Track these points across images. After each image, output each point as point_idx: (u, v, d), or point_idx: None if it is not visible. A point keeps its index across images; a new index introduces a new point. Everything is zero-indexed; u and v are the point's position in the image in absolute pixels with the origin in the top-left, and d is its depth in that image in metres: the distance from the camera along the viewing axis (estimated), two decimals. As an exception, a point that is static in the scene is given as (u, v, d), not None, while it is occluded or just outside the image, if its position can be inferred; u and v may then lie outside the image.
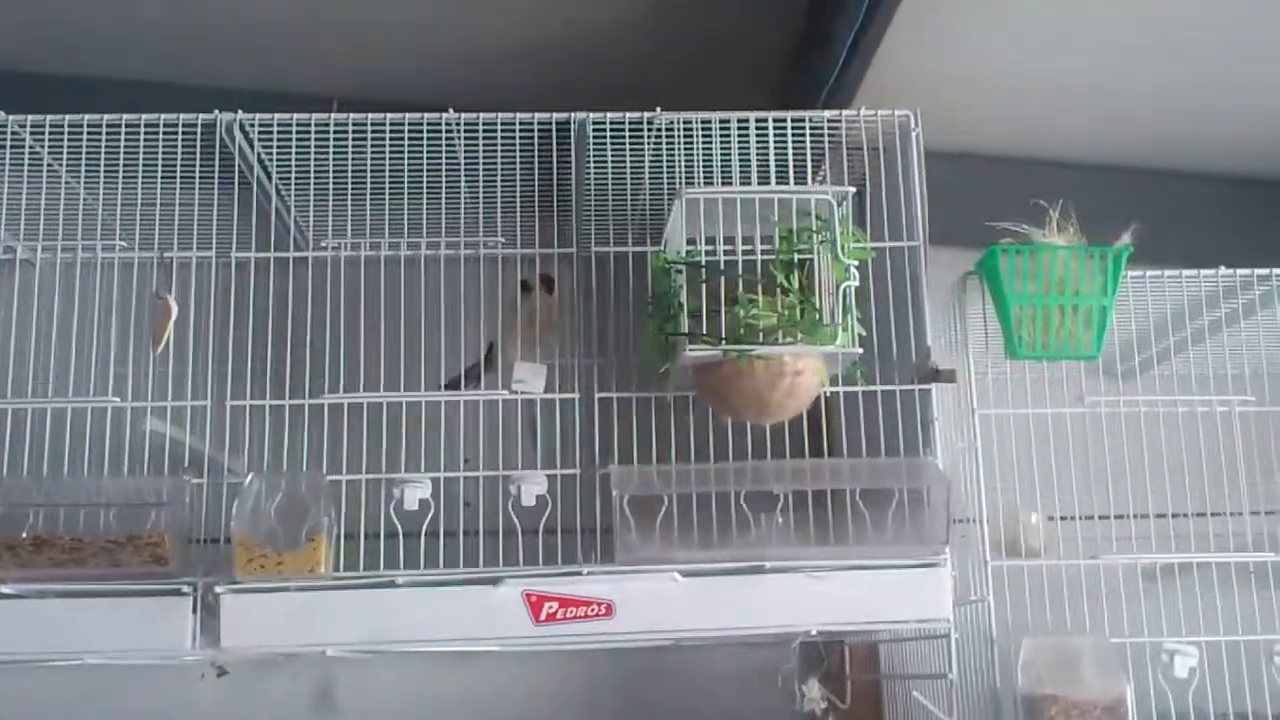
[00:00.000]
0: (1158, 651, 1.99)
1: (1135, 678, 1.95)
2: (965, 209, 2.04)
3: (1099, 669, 1.92)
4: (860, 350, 1.87)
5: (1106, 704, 1.90)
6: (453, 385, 2.04)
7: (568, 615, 1.85)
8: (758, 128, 2.03)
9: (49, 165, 2.01)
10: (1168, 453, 2.08)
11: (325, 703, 2.34)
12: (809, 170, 2.12)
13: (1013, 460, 2.06)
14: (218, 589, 1.81)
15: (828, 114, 2.04)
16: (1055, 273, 2.00)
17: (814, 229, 1.86)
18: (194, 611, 1.82)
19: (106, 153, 1.99)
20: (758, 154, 2.03)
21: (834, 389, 1.98)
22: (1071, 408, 2.08)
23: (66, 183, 2.03)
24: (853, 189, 1.93)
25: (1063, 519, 2.08)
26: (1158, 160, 2.57)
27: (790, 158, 2.04)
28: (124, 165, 1.99)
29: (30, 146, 1.99)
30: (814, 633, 1.89)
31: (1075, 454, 2.05)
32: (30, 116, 1.97)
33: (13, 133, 1.97)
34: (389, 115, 1.99)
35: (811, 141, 2.06)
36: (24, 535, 1.83)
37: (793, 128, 2.03)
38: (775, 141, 2.03)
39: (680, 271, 1.86)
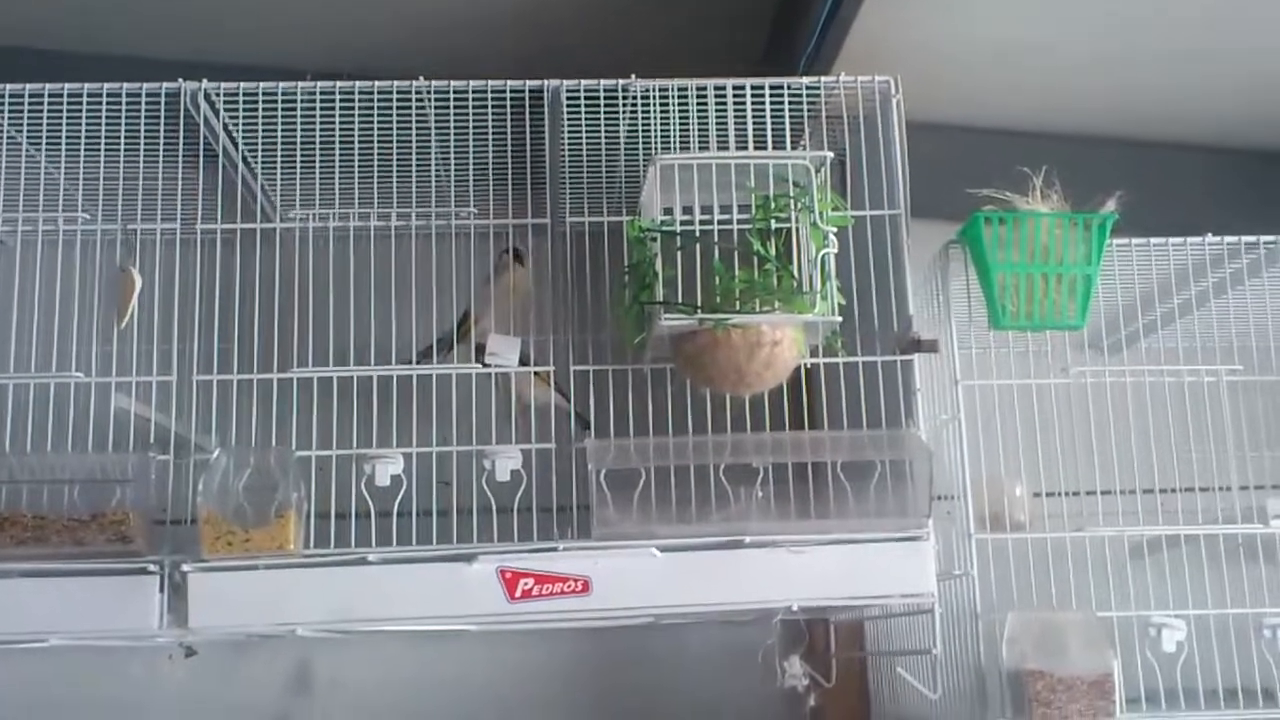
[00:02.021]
0: (1145, 626, 1.95)
1: (1122, 652, 1.92)
2: (947, 181, 2.00)
3: (1085, 644, 1.89)
4: (840, 319, 1.83)
5: (1093, 679, 1.86)
6: (425, 356, 2.00)
7: (543, 592, 1.81)
8: (735, 95, 1.99)
9: (9, 136, 1.96)
10: (1154, 424, 2.05)
11: (300, 684, 2.31)
12: (788, 140, 2.08)
13: (997, 432, 2.02)
14: (185, 567, 1.77)
15: (806, 80, 2.00)
16: (1039, 240, 1.97)
17: (792, 195, 1.82)
18: (161, 591, 1.78)
19: (69, 124, 1.94)
20: (736, 123, 1.99)
21: (814, 360, 1.95)
22: (1056, 378, 2.04)
23: (28, 154, 1.98)
24: (830, 154, 1.89)
25: (1048, 495, 2.05)
26: (1143, 131, 2.54)
27: (769, 127, 2.00)
28: (87, 137, 1.95)
29: (-10, 117, 1.95)
30: (795, 608, 1.85)
31: (1061, 426, 2.01)
32: (-11, 87, 1.93)
33: (-27, 103, 1.93)
34: (357, 83, 1.95)
35: (791, 110, 2.02)
36: (-15, 513, 1.79)
37: (771, 95, 1.99)
38: (754, 110, 1.99)
39: (655, 240, 1.82)
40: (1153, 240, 2.08)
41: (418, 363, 2.00)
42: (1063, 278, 1.98)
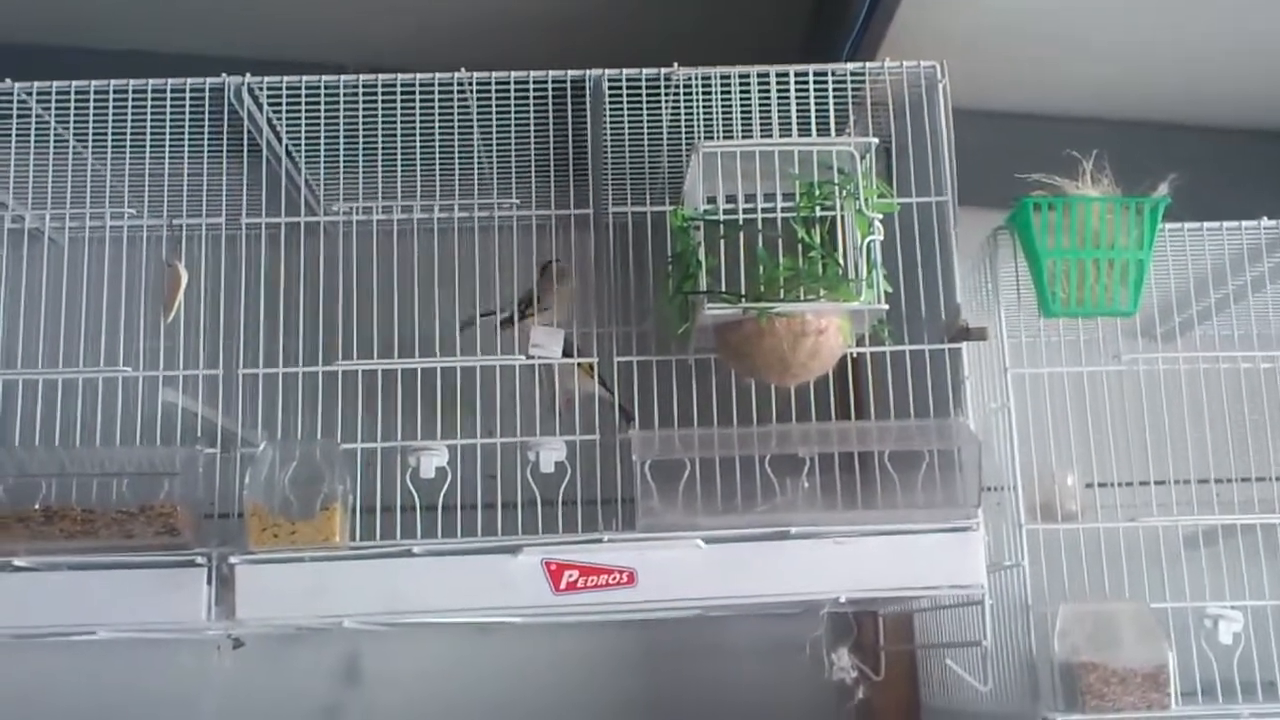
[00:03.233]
0: (1201, 617, 1.92)
1: (1177, 644, 1.89)
2: (994, 169, 1.98)
3: (1139, 636, 1.86)
4: (886, 306, 1.81)
5: (1147, 672, 1.83)
6: (469, 325, 1.99)
7: (588, 584, 1.80)
8: (779, 83, 1.97)
9: (57, 134, 1.98)
10: (1210, 412, 2.01)
11: (349, 676, 2.31)
12: (833, 128, 2.05)
13: (1047, 421, 1.99)
14: (232, 559, 1.78)
15: (851, 67, 1.98)
16: (1089, 226, 1.93)
17: (836, 182, 1.80)
18: (209, 583, 1.79)
19: (115, 121, 1.96)
20: (779, 111, 1.97)
21: (860, 349, 1.93)
22: (1108, 366, 2.01)
23: (76, 151, 1.99)
24: (875, 140, 1.86)
25: (1101, 486, 2.02)
26: (1194, 115, 2.49)
27: (813, 115, 1.98)
28: (132, 133, 1.96)
29: (38, 115, 1.96)
30: (842, 600, 1.83)
31: (1113, 414, 1.98)
32: (36, 84, 1.94)
33: (20, 101, 1.94)
34: (399, 76, 1.94)
35: (835, 98, 2.00)
36: (36, 507, 1.80)
37: (815, 83, 1.97)
38: (797, 97, 1.97)
39: (698, 229, 1.80)
40: (1206, 225, 2.04)
41: (462, 330, 1.99)
42: (1114, 263, 1.94)
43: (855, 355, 1.93)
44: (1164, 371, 2.01)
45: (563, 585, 1.80)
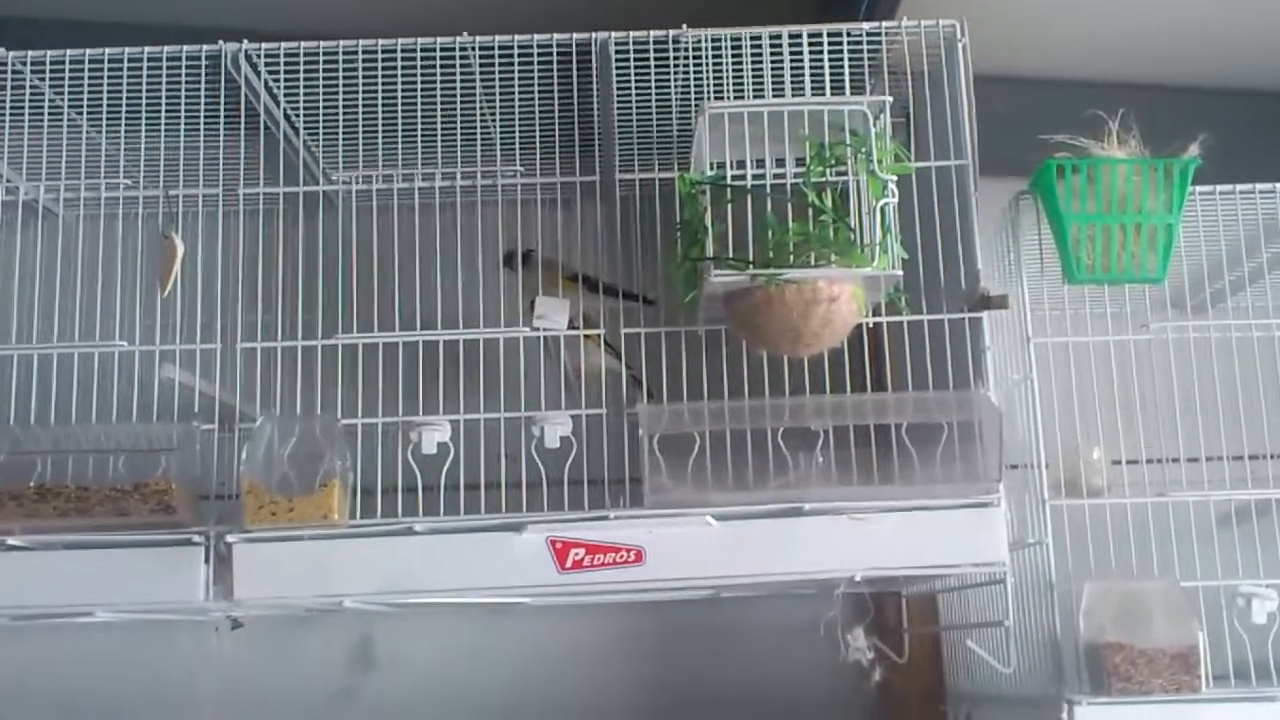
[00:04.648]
0: (1234, 596, 1.84)
1: (1208, 624, 1.81)
2: (1015, 137, 1.90)
3: (1168, 615, 1.78)
4: (900, 273, 1.74)
5: (1176, 652, 1.76)
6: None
7: (595, 562, 1.75)
8: (792, 45, 1.90)
9: (53, 103, 1.94)
10: (1243, 384, 1.93)
11: (361, 660, 2.27)
12: (848, 92, 1.98)
13: (1072, 393, 1.91)
14: (229, 538, 1.73)
15: (867, 26, 1.91)
16: (1116, 189, 1.86)
17: (848, 143, 1.73)
18: (206, 562, 1.75)
19: (110, 91, 1.91)
20: (793, 74, 1.91)
21: (876, 319, 1.86)
22: (1136, 335, 1.93)
23: (71, 121, 1.95)
24: (890, 99, 1.79)
25: (1130, 462, 1.94)
26: (1226, 78, 2.40)
27: (827, 78, 1.91)
28: (127, 102, 1.92)
29: (33, 85, 1.92)
30: (858, 579, 1.77)
31: (1141, 386, 1.90)
32: (30, 53, 1.90)
33: (14, 70, 1.90)
34: (400, 40, 1.89)
35: (851, 60, 1.93)
36: (30, 485, 1.76)
37: (830, 44, 1.90)
38: (811, 60, 1.90)
39: (704, 193, 1.74)
40: (1239, 187, 1.96)
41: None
42: (1141, 228, 1.86)
43: (871, 325, 1.86)
44: (1195, 340, 1.93)
45: (568, 564, 1.75)
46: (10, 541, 1.73)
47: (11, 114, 1.95)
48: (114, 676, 2.22)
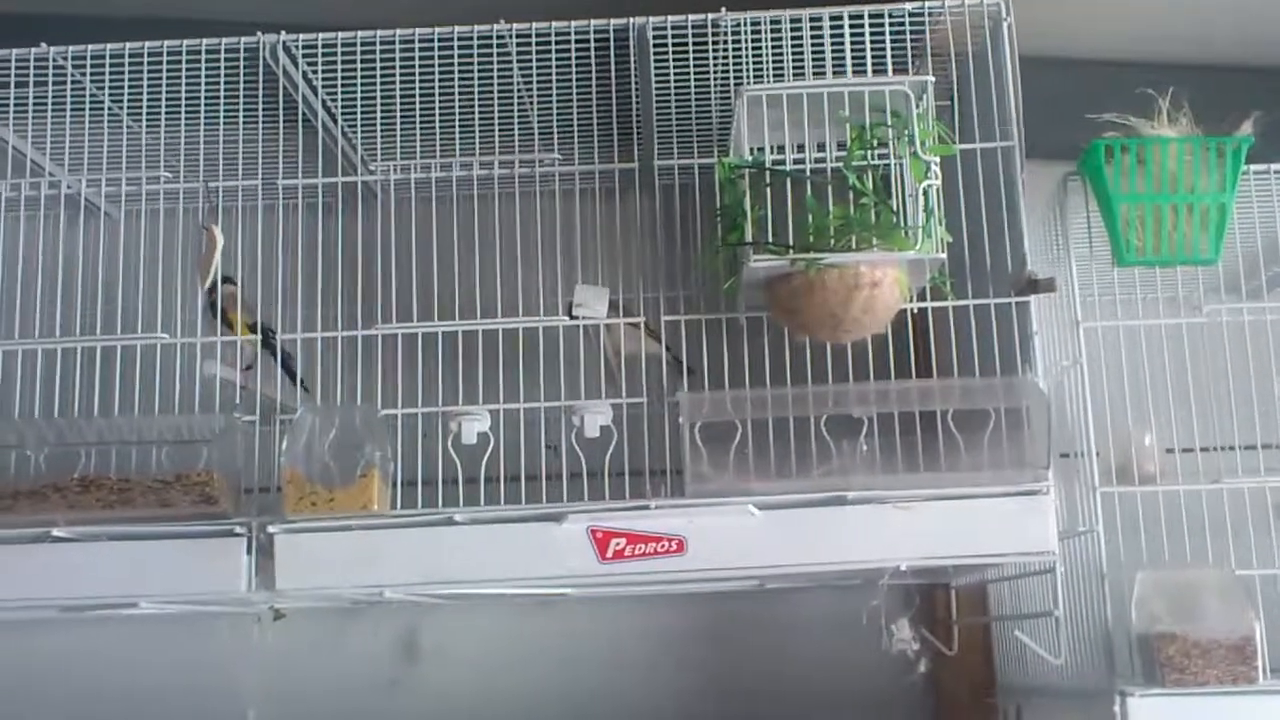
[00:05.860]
0: (1291, 585, 1.81)
1: (1265, 614, 1.77)
2: (1062, 119, 1.87)
3: (1223, 604, 1.74)
4: (943, 256, 1.71)
5: (1232, 643, 1.72)
6: None
7: (636, 552, 1.73)
8: (833, 27, 1.87)
9: (94, 98, 1.95)
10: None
11: (406, 652, 2.27)
12: (890, 75, 1.95)
13: (1123, 378, 1.87)
14: (270, 529, 1.73)
15: (910, 6, 1.88)
16: (1166, 168, 1.82)
17: (890, 124, 1.70)
18: (249, 553, 1.75)
19: (150, 84, 1.92)
20: (834, 56, 1.88)
21: (921, 304, 1.83)
22: (1189, 318, 1.89)
23: (112, 115, 1.96)
24: (932, 78, 1.76)
25: (1184, 451, 1.90)
26: (1276, 57, 2.33)
27: (869, 60, 1.88)
28: (166, 95, 1.93)
29: (74, 79, 1.93)
30: (903, 569, 1.74)
31: (1194, 370, 1.86)
32: (72, 48, 1.91)
33: (56, 65, 1.91)
34: (437, 29, 1.88)
35: (894, 42, 1.90)
36: (73, 476, 1.77)
37: (872, 25, 1.87)
38: (853, 42, 1.87)
39: (744, 178, 1.71)
40: (1293, 165, 1.91)
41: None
42: (1194, 208, 1.82)
43: (915, 310, 1.83)
44: (1249, 323, 1.88)
45: (609, 554, 1.73)
46: (55, 533, 1.74)
47: (54, 109, 1.96)
48: (157, 667, 2.23)
